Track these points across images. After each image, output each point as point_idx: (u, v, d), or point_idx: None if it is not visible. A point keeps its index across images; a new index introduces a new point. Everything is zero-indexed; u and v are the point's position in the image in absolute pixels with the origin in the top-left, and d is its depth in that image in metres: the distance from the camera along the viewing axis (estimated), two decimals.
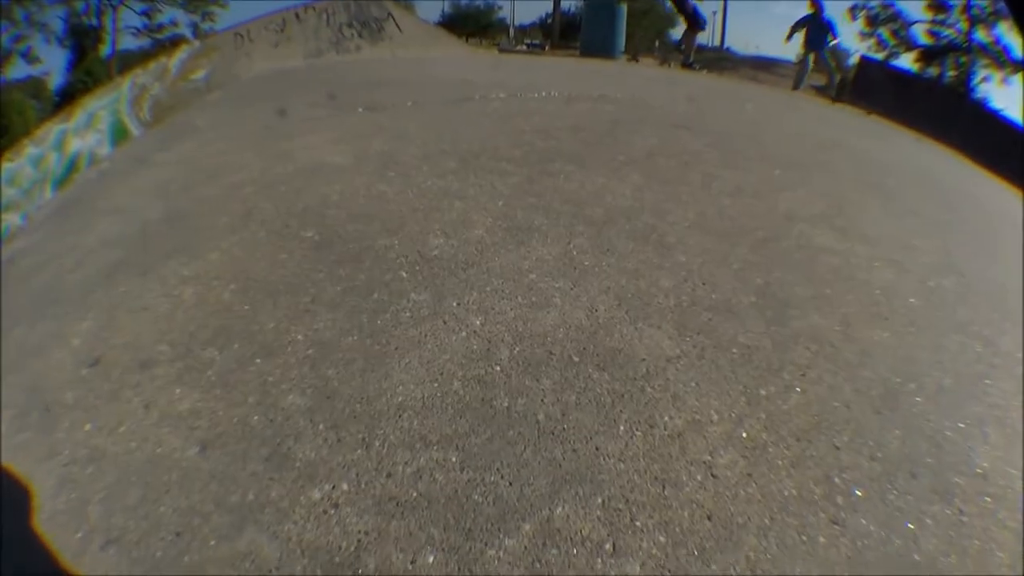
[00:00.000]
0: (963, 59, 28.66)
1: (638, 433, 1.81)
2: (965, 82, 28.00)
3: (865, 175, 4.84)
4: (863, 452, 1.80)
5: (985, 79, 29.73)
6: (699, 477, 1.66)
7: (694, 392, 2.01)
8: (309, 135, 4.75)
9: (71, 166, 11.14)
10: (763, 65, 21.49)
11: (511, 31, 34.65)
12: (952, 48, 29.25)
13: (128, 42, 41.00)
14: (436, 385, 2.03)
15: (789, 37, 11.10)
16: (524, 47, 21.91)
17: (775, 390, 2.07)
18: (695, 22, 10.08)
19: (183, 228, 3.50)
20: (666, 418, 1.90)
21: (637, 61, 11.34)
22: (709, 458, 1.70)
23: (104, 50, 41.16)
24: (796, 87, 11.45)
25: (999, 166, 9.08)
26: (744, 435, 1.82)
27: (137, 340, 2.43)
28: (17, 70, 40.22)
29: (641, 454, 1.76)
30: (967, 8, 29.79)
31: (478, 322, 2.35)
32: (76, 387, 2.26)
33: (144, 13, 40.15)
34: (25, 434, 2.07)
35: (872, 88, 15.76)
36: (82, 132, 11.38)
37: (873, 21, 30.79)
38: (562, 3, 28.49)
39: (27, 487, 1.85)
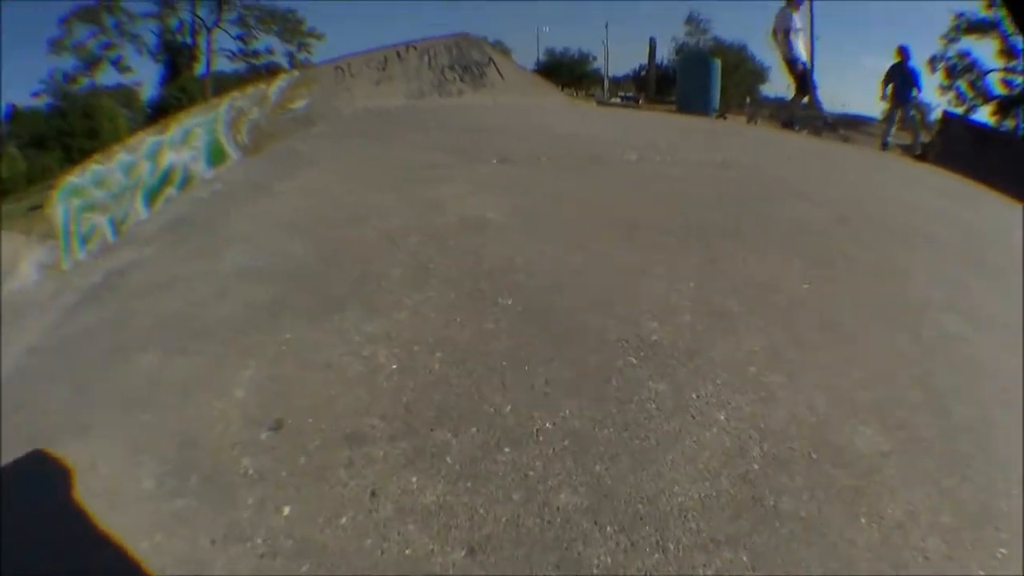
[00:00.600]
0: None
1: (873, 525, 1.90)
2: None
3: (973, 249, 4.84)
4: None
5: None
6: (920, 560, 1.80)
7: (904, 485, 2.13)
8: (448, 183, 4.74)
9: (164, 178, 11.26)
10: (851, 123, 21.36)
11: (605, 83, 35.04)
12: None
13: (222, 64, 43.02)
14: (708, 484, 1.97)
15: (885, 91, 10.97)
16: (618, 100, 22.13)
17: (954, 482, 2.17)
18: (804, 85, 9.95)
19: (344, 274, 3.40)
20: (889, 510, 1.99)
21: (725, 118, 11.26)
22: (923, 544, 1.79)
23: (198, 69, 43.20)
24: (884, 146, 11.29)
25: None
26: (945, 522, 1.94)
27: (330, 405, 2.21)
28: (107, 76, 42.45)
29: (878, 543, 1.84)
30: None
31: (722, 417, 2.28)
32: (256, 453, 1.99)
33: (239, 38, 42.20)
34: (184, 500, 1.80)
35: (955, 145, 15.41)
36: (177, 147, 11.60)
37: (952, 72, 30.18)
38: (656, 55, 28.75)
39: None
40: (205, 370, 2.57)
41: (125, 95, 43.25)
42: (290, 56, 42.20)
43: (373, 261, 3.56)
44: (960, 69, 28.24)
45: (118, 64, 42.08)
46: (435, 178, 5.02)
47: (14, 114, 43.91)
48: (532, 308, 2.90)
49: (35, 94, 40.73)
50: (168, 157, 11.25)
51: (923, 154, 10.58)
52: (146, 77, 47.74)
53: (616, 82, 35.56)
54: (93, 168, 12.60)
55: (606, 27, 49.47)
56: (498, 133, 6.64)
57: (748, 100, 26.81)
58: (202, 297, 3.62)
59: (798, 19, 9.58)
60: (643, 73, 28.63)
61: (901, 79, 10.79)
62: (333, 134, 8.27)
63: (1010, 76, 27.53)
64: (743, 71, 29.32)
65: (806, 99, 10.46)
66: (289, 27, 41.34)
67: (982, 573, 1.78)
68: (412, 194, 4.70)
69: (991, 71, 28.35)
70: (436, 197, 4.50)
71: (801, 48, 9.53)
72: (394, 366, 2.47)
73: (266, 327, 2.91)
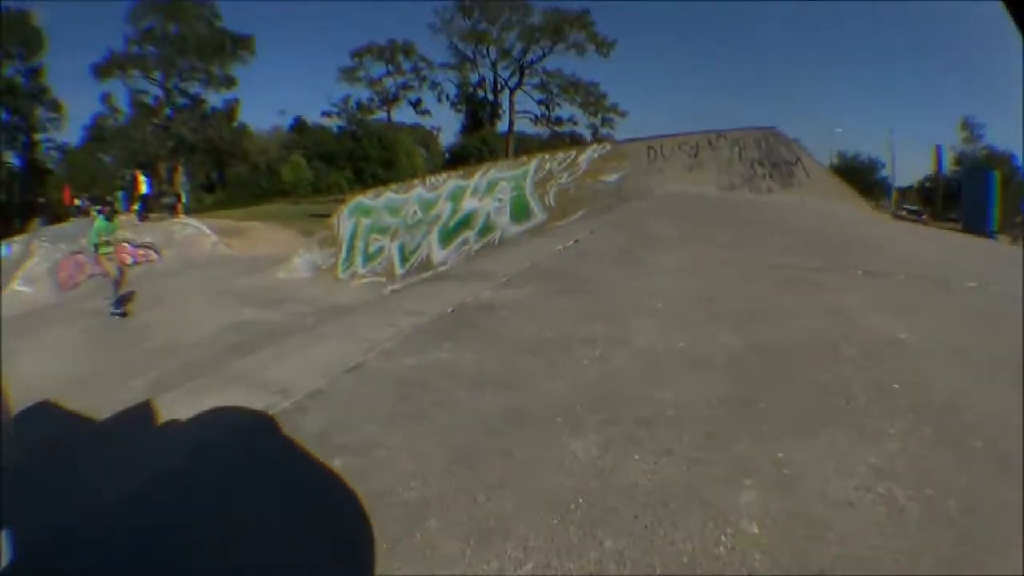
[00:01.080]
0: None
1: None
2: None
3: None
4: None
5: None
6: None
7: None
8: (844, 293, 4.90)
9: (463, 221, 12.40)
10: None
11: (892, 194, 33.17)
12: None
13: (523, 126, 46.39)
14: None
15: None
16: (904, 212, 21.01)
17: None
18: None
19: (798, 380, 3.35)
20: None
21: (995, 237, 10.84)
22: None
23: (499, 126, 46.99)
24: None
25: None
26: None
27: (875, 557, 1.94)
28: (403, 114, 47.35)
29: None
30: None
31: None
32: None
33: (542, 102, 45.53)
34: None
35: None
36: (480, 195, 12.57)
37: None
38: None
39: None
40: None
41: (423, 135, 48.82)
42: (593, 128, 44.53)
43: (821, 371, 3.44)
44: None
45: (416, 105, 48.09)
46: (820, 284, 5.25)
47: (300, 126, 49.97)
48: (1003, 454, 2.54)
49: (325, 113, 47.89)
50: (469, 202, 12.56)
51: None
52: (443, 122, 52.72)
53: (900, 191, 33.09)
54: (388, 195, 14.15)
55: (890, 132, 44.74)
56: (836, 240, 7.04)
57: (1019, 219, 23.81)
58: (623, 368, 3.61)
59: None
60: (928, 184, 26.12)
61: None
62: (662, 214, 8.79)
63: None
64: (1015, 185, 26.18)
65: None
66: (592, 100, 43.79)
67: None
68: (810, 298, 4.83)
69: None
70: (838, 306, 4.63)
71: None
72: (916, 509, 2.19)
73: (743, 435, 2.74)
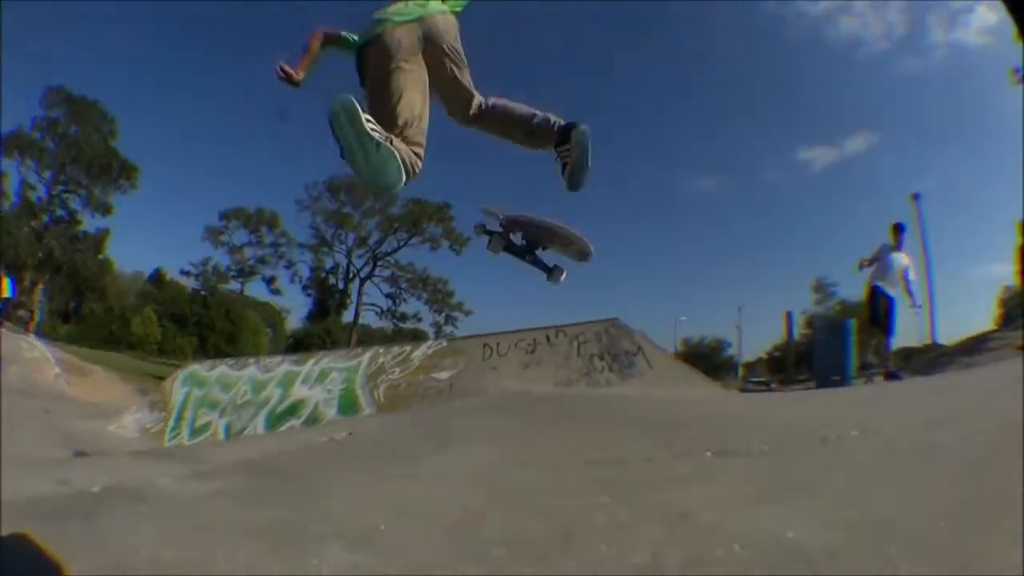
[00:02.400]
0: None
1: None
2: None
3: None
4: None
5: None
6: None
7: None
8: (685, 485, 3.56)
9: (291, 408, 11.56)
10: (972, 346, 19.94)
11: (739, 369, 35.26)
12: None
13: (370, 317, 46.27)
14: None
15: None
16: (751, 384, 21.64)
17: None
18: (881, 326, 9.21)
19: None
20: None
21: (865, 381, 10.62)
22: None
23: (345, 316, 46.51)
24: None
25: None
26: None
27: None
28: (258, 288, 46.01)
29: None
30: None
31: None
32: None
33: (389, 296, 45.80)
34: None
35: None
36: (311, 383, 11.83)
37: None
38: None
39: None
40: None
41: (272, 314, 47.44)
42: (437, 327, 44.94)
43: None
44: None
45: (270, 282, 46.75)
46: (660, 477, 3.91)
47: (158, 278, 48.53)
48: None
49: (183, 272, 45.89)
50: (300, 389, 11.96)
51: None
52: (293, 303, 52.21)
53: (748, 365, 35.49)
54: (223, 368, 13.51)
55: (739, 311, 47.84)
56: (678, 423, 5.99)
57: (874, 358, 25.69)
58: None
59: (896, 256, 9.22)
60: (777, 353, 27.44)
61: None
62: (489, 412, 7.69)
63: None
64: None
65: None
66: (439, 296, 44.32)
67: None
68: (644, 501, 3.41)
69: None
70: (683, 505, 3.16)
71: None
72: None
73: None
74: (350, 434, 6.75)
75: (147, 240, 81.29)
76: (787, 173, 72.68)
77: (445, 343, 11.45)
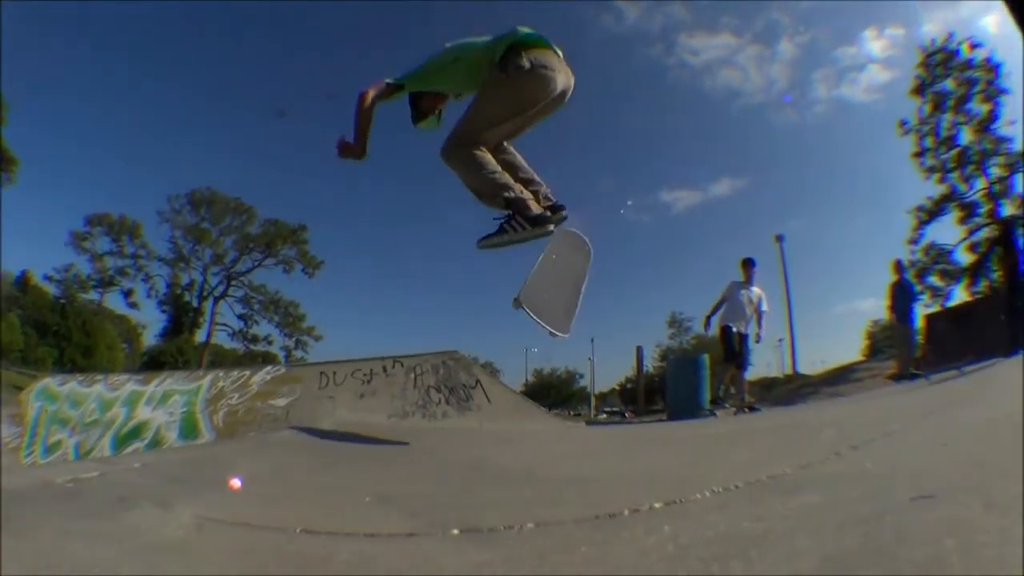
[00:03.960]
0: (999, 249, 26.36)
1: None
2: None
3: None
4: None
5: None
6: None
7: None
8: None
9: (135, 430, 10.94)
10: (838, 376, 21.12)
11: (592, 401, 35.50)
12: (993, 244, 28.20)
13: (223, 338, 44.07)
14: None
15: (892, 313, 10.58)
16: (604, 415, 22.15)
17: None
18: (735, 362, 9.41)
19: None
20: None
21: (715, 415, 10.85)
22: None
23: (199, 335, 44.25)
24: (903, 372, 10.28)
25: None
26: None
27: None
28: (117, 300, 43.02)
29: None
30: (989, 190, 29.42)
31: None
32: None
33: (241, 317, 43.69)
34: None
35: (944, 341, 15.06)
36: (155, 403, 11.27)
37: (923, 272, 30.49)
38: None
39: None
40: None
41: (129, 329, 44.54)
42: (287, 351, 43.34)
43: None
44: (929, 262, 29.75)
45: (128, 296, 43.78)
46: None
47: (24, 281, 44.78)
48: None
49: (47, 277, 42.16)
50: (144, 411, 11.24)
51: (917, 367, 9.99)
52: (150, 318, 49.28)
53: (601, 396, 36.14)
54: (73, 384, 12.57)
55: (592, 342, 47.66)
56: (487, 480, 5.54)
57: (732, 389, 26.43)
58: None
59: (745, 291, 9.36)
60: (629, 384, 28.10)
61: (901, 294, 10.49)
62: (304, 453, 6.96)
63: (974, 231, 29.54)
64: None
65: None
66: (290, 320, 42.87)
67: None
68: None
69: (957, 245, 30.61)
70: None
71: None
72: None
73: None
74: (139, 466, 5.86)
75: (19, 239, 74.86)
76: (647, 213, 77.49)
77: (283, 369, 10.85)
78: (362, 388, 9.23)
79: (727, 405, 9.91)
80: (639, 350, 24.96)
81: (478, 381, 8.83)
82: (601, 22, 76.38)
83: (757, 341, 9.60)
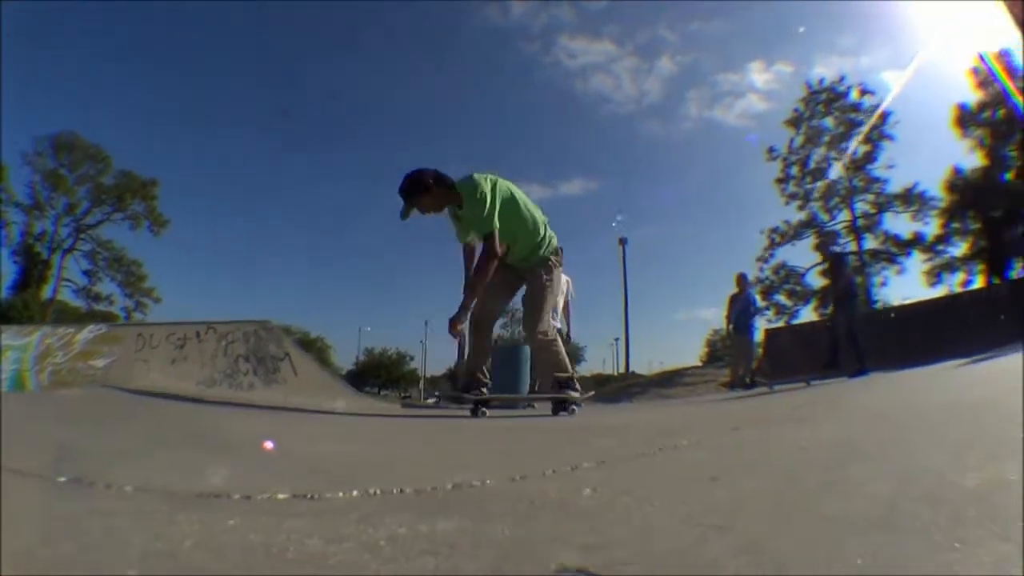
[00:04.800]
0: (859, 278, 29.54)
1: None
2: (866, 298, 28.68)
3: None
4: None
5: (883, 284, 30.56)
6: None
7: None
8: None
9: None
10: (670, 379, 22.37)
11: (421, 383, 35.36)
12: (824, 274, 29.81)
13: (68, 294, 41.10)
14: None
15: (729, 323, 10.88)
16: (434, 399, 21.50)
17: None
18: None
19: None
20: None
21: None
22: None
23: (47, 290, 41.27)
24: (736, 385, 10.65)
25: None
26: None
27: None
28: None
29: None
30: (853, 224, 32.04)
31: None
32: None
33: (87, 273, 40.89)
34: None
35: (783, 356, 16.08)
36: None
37: (769, 290, 32.73)
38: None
39: None
40: None
41: None
42: (128, 311, 40.98)
43: None
44: (778, 282, 32.32)
45: None
46: None
47: None
48: None
49: None
50: None
51: (752, 379, 10.29)
52: (6, 272, 46.02)
53: (434, 381, 36.02)
54: None
55: (426, 324, 47.35)
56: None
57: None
58: None
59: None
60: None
61: (744, 306, 10.87)
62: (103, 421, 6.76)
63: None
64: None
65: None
66: (131, 280, 40.62)
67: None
68: None
69: (809, 269, 32.67)
70: None
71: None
72: None
73: None
74: None
75: None
76: None
77: (106, 329, 10.64)
78: (175, 353, 9.28)
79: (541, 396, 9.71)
80: (461, 336, 24.56)
81: (287, 354, 8.99)
82: (485, 12, 76.76)
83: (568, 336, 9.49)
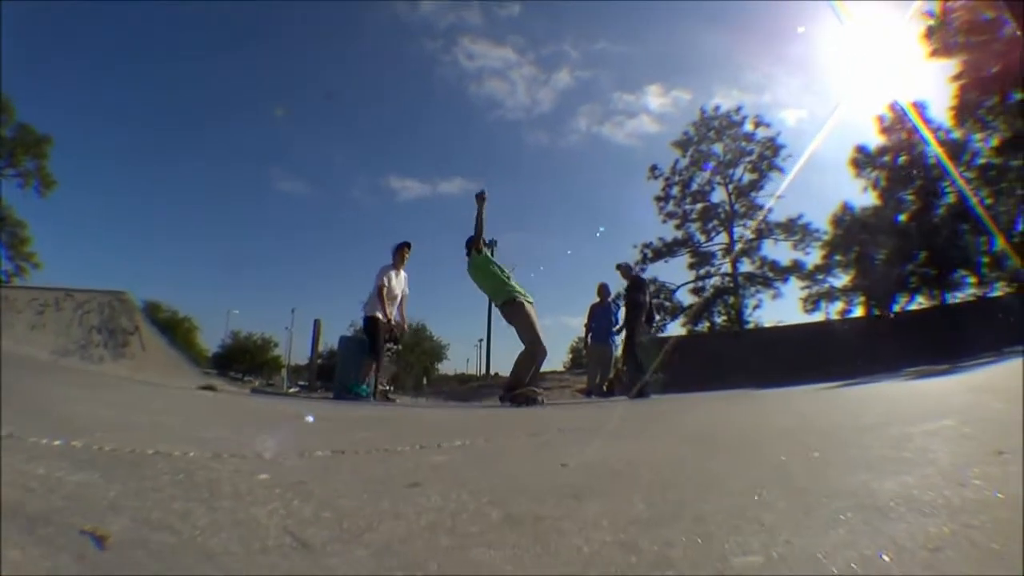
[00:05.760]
0: (732, 298, 32.21)
1: None
2: (738, 319, 31.22)
3: None
4: None
5: (758, 305, 30.50)
6: None
7: None
8: None
9: None
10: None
11: (284, 372, 34.63)
12: (720, 293, 32.80)
13: None
14: None
15: (588, 333, 10.79)
16: (297, 388, 21.16)
17: None
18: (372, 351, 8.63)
19: None
20: None
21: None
22: None
23: None
24: (591, 388, 10.58)
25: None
26: None
27: None
28: None
29: None
30: (730, 249, 32.80)
31: None
32: None
33: None
34: None
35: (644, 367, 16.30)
36: None
37: None
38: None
39: None
40: None
41: None
42: (7, 274, 39.22)
43: None
44: None
45: None
46: None
47: None
48: None
49: None
50: None
51: (609, 388, 9.93)
52: None
53: (299, 370, 35.15)
54: None
55: (292, 312, 45.47)
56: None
57: (424, 380, 27.59)
58: None
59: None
60: (320, 360, 26.21)
61: (603, 317, 10.73)
62: None
63: (703, 278, 33.28)
64: (419, 351, 29.63)
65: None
66: (15, 241, 39.27)
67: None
68: None
69: (680, 286, 33.64)
70: None
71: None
72: None
73: None
74: None
75: None
76: (373, 195, 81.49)
77: None
78: (35, 319, 9.38)
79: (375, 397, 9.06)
80: (316, 324, 23.70)
81: (137, 328, 9.04)
82: (393, 7, 75.60)
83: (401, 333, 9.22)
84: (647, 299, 9.81)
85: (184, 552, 1.16)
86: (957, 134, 25.21)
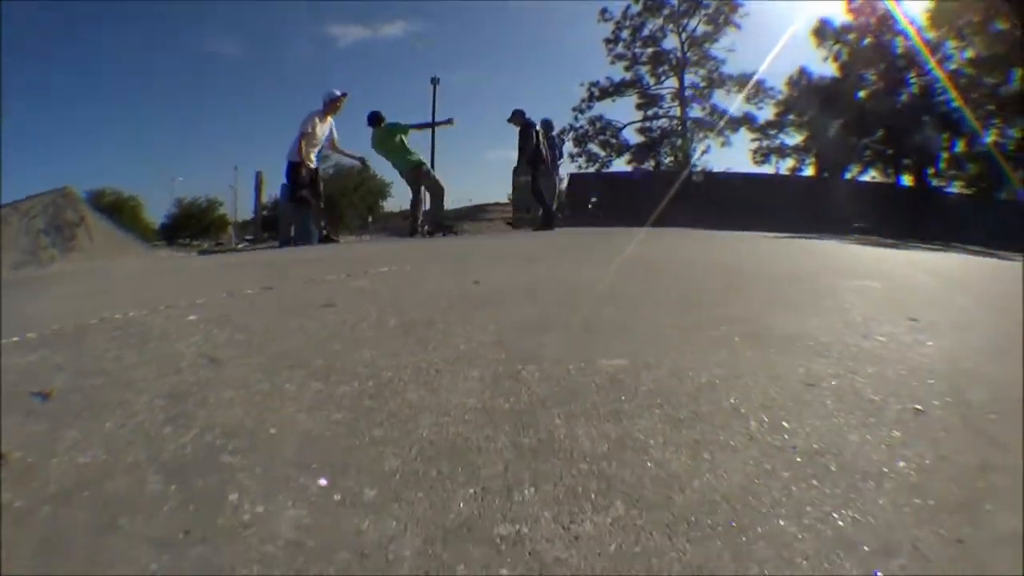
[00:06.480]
0: (681, 141, 32.88)
1: None
2: (686, 162, 31.46)
3: None
4: None
5: (707, 151, 33.29)
6: None
7: None
8: None
9: None
10: (472, 213, 24.19)
11: (231, 229, 31.89)
12: (667, 135, 33.33)
13: None
14: None
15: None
16: (245, 243, 19.88)
17: None
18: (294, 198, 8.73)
19: None
20: None
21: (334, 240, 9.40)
22: None
23: None
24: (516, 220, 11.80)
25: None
26: None
27: None
28: None
29: None
30: (681, 93, 32.84)
31: None
32: None
33: None
34: None
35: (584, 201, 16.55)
36: None
37: (582, 140, 33.01)
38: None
39: None
40: None
41: None
42: None
43: None
44: (592, 133, 33.30)
45: None
46: None
47: None
48: None
49: None
50: None
51: (547, 221, 10.79)
52: None
53: (245, 226, 32.67)
54: None
55: (236, 169, 42.49)
56: None
57: (370, 219, 27.03)
58: None
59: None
60: (266, 213, 24.42)
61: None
62: None
63: (649, 123, 33.37)
64: (363, 190, 29.29)
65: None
66: None
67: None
68: None
69: (627, 124, 33.48)
70: None
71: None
72: None
73: None
74: None
75: None
76: (313, 45, 73.44)
77: None
78: None
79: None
80: (258, 176, 22.71)
81: (83, 218, 9.00)
82: None
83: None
84: (532, 144, 10.19)
85: (111, 388, 1.57)
86: (931, 35, 24.82)
